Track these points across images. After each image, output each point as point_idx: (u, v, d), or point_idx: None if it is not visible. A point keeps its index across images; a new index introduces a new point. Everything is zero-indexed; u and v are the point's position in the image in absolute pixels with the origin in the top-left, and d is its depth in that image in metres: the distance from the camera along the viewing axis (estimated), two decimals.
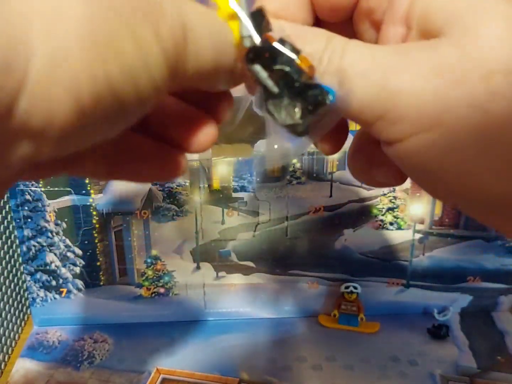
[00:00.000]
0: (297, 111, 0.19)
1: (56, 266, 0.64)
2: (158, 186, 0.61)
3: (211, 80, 0.19)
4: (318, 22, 0.22)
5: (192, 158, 0.60)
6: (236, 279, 0.66)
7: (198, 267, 0.66)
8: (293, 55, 0.18)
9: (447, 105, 0.16)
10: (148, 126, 0.21)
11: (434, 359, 0.61)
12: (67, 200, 0.61)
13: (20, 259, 0.64)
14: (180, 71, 0.16)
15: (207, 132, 0.21)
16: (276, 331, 0.66)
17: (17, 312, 0.65)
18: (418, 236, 0.65)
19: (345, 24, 0.22)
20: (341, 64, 0.18)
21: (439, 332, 0.65)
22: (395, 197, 0.63)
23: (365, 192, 0.63)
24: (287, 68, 0.18)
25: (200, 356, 0.61)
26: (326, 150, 0.22)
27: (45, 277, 0.64)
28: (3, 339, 0.61)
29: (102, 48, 0.13)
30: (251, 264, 0.66)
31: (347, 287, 0.66)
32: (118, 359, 0.61)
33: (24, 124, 0.12)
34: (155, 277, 0.65)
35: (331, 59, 0.18)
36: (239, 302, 0.67)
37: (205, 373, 0.58)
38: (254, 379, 0.58)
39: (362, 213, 0.64)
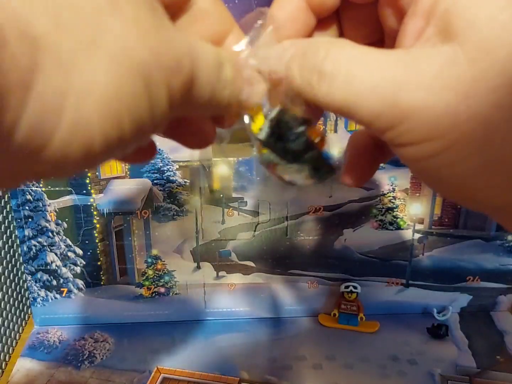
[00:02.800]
0: (305, 177, 0.20)
1: (56, 265, 0.64)
2: (158, 186, 0.61)
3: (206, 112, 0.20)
4: (344, 3, 0.22)
5: (192, 159, 0.60)
6: (236, 278, 0.66)
7: (198, 267, 0.66)
8: (302, 128, 0.19)
9: (457, 119, 0.16)
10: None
11: (434, 359, 0.61)
12: (68, 200, 0.61)
13: (21, 259, 0.64)
14: (180, 109, 0.17)
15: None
16: (276, 330, 0.66)
17: (18, 312, 0.65)
18: (417, 236, 0.65)
19: (370, 6, 0.22)
20: (348, 80, 0.18)
21: (438, 332, 0.65)
22: (394, 197, 0.63)
23: (365, 192, 0.63)
24: (297, 146, 0.19)
25: (200, 355, 0.61)
26: (350, 184, 0.23)
27: (45, 276, 0.64)
28: (4, 339, 0.61)
29: (120, 112, 0.14)
30: (251, 263, 0.66)
31: (347, 287, 0.66)
32: (118, 358, 0.61)
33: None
34: (155, 277, 0.66)
35: (334, 74, 0.18)
36: (239, 301, 0.67)
37: (205, 372, 0.59)
38: (254, 379, 0.58)
39: (362, 213, 0.64)
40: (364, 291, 0.66)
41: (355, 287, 0.66)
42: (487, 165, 0.17)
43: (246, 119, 0.20)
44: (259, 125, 0.20)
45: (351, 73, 0.17)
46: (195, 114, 0.20)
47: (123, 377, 0.58)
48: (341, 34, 0.24)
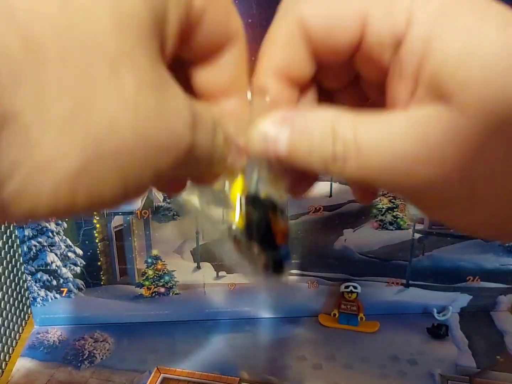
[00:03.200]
0: (254, 268, 0.21)
1: (56, 265, 0.64)
2: None
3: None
4: (320, 67, 0.22)
5: None
6: (236, 278, 0.66)
7: (198, 267, 0.66)
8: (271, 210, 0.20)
9: (470, 182, 0.17)
10: None
11: (434, 359, 0.61)
12: None
13: (21, 259, 0.64)
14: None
15: None
16: (276, 330, 0.66)
17: (17, 312, 0.65)
18: (417, 235, 0.65)
19: (347, 65, 0.21)
20: (361, 161, 0.18)
21: (438, 332, 0.65)
22: (394, 197, 0.63)
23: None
24: (259, 226, 0.20)
25: (200, 355, 0.61)
26: (296, 197, 0.24)
27: (45, 276, 0.64)
28: (4, 339, 0.61)
29: (76, 193, 0.13)
30: None
31: (347, 287, 0.66)
32: (118, 358, 0.61)
33: None
34: (155, 277, 0.66)
35: (347, 156, 0.18)
36: (239, 301, 0.67)
37: (205, 373, 0.58)
38: (254, 379, 0.58)
39: (362, 213, 0.64)
40: (364, 291, 0.66)
41: (355, 287, 0.66)
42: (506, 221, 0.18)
43: (226, 183, 0.21)
44: (235, 192, 0.21)
45: (362, 154, 0.18)
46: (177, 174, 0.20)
47: (123, 377, 0.58)
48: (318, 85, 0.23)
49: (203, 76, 0.20)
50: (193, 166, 0.18)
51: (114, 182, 0.14)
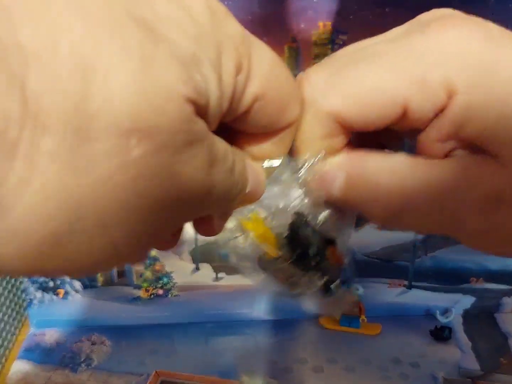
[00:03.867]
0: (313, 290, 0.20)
1: None
2: None
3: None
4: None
5: None
6: (236, 280, 0.66)
7: (197, 268, 0.65)
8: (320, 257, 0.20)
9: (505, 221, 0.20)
10: None
11: (436, 361, 0.60)
12: None
13: None
14: None
15: None
16: (276, 332, 0.65)
17: (14, 314, 0.64)
18: (420, 236, 0.65)
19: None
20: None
21: (441, 334, 0.64)
22: None
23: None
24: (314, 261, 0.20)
25: (199, 358, 0.61)
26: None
27: (42, 278, 0.64)
28: (0, 341, 0.60)
29: (47, 259, 0.13)
30: None
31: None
32: (116, 361, 0.61)
33: None
34: (153, 278, 0.65)
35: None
36: (239, 303, 0.67)
37: (204, 375, 0.58)
38: (254, 381, 0.57)
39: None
40: (366, 293, 0.66)
41: (357, 289, 0.65)
42: None
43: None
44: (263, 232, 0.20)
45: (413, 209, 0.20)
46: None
47: (121, 380, 0.58)
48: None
49: (250, 145, 0.20)
50: (211, 208, 0.17)
51: (97, 244, 0.13)
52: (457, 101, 0.18)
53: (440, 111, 0.19)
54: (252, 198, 0.19)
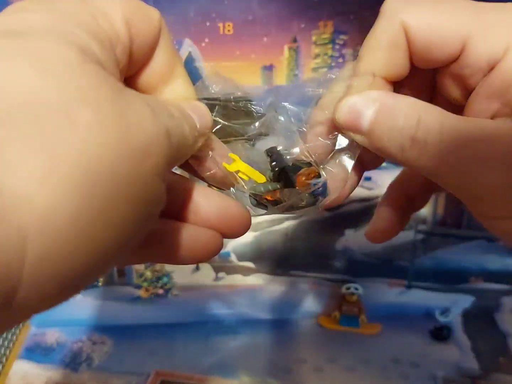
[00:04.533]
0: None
1: None
2: None
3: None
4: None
5: None
6: (236, 280, 0.66)
7: (197, 268, 0.65)
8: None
9: None
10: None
11: (436, 361, 0.60)
12: None
13: None
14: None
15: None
16: (276, 332, 0.65)
17: None
18: (420, 236, 0.64)
19: (430, 77, 0.23)
20: (439, 151, 0.19)
21: (441, 334, 0.64)
22: None
23: (366, 192, 0.63)
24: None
25: (199, 358, 0.61)
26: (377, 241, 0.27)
27: None
28: (0, 341, 0.60)
29: (93, 228, 0.13)
30: (251, 265, 0.66)
31: (348, 288, 0.65)
32: (116, 361, 0.61)
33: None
34: (154, 278, 0.65)
35: (427, 143, 0.19)
36: (239, 303, 0.67)
37: (204, 375, 0.58)
38: (254, 381, 0.57)
39: (363, 213, 0.63)
40: (366, 293, 0.66)
41: (356, 289, 0.65)
42: None
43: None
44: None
45: (443, 146, 0.19)
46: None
47: (121, 380, 0.58)
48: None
49: (142, 78, 0.21)
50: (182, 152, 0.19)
51: (120, 204, 0.14)
52: (511, 59, 0.19)
53: (493, 66, 0.20)
54: (204, 128, 0.20)
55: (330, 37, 0.53)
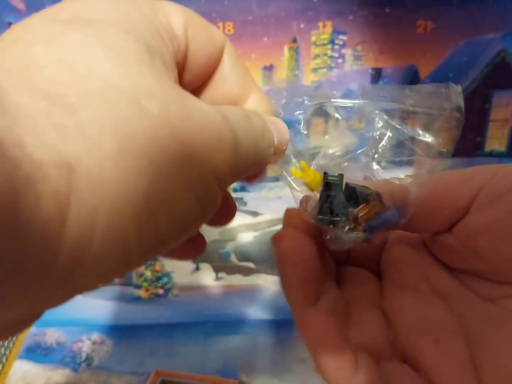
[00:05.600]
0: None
1: None
2: None
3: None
4: None
5: None
6: (236, 280, 0.66)
7: (197, 268, 0.65)
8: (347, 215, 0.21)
9: None
10: None
11: None
12: None
13: None
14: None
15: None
16: (276, 332, 0.65)
17: None
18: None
19: None
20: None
21: None
22: None
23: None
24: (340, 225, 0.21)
25: (199, 357, 0.61)
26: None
27: None
28: (0, 341, 0.60)
29: (155, 212, 0.14)
30: (251, 265, 0.66)
31: None
32: (116, 361, 0.61)
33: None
34: (153, 278, 0.65)
35: None
36: (239, 303, 0.67)
37: (204, 375, 0.58)
38: (254, 381, 0.57)
39: None
40: None
41: None
42: None
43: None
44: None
45: None
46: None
47: (121, 380, 0.58)
48: None
49: (214, 95, 0.21)
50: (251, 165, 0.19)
51: (186, 195, 0.15)
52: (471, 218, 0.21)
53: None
54: (282, 145, 0.21)
55: (329, 38, 0.53)
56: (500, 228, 0.20)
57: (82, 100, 0.13)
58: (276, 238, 0.22)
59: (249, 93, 0.21)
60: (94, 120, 0.13)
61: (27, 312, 0.14)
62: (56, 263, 0.12)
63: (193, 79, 0.20)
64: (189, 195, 0.15)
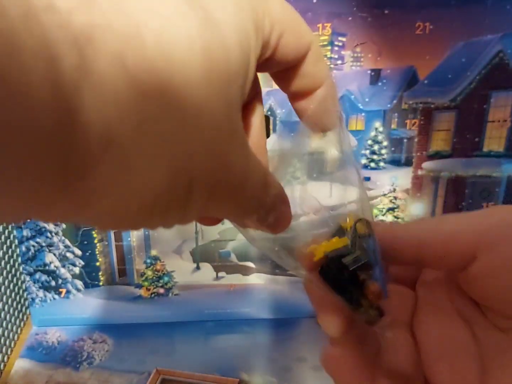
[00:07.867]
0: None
1: (55, 266, 0.64)
2: None
3: None
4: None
5: None
6: (236, 279, 0.66)
7: (198, 268, 0.65)
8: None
9: None
10: None
11: None
12: None
13: (19, 259, 0.64)
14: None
15: None
16: (276, 331, 0.65)
17: (16, 313, 0.64)
18: None
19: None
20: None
21: None
22: (395, 197, 0.63)
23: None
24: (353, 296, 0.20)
25: (200, 356, 0.61)
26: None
27: (44, 277, 0.64)
28: (2, 340, 0.60)
29: (155, 212, 0.14)
30: (251, 264, 0.66)
31: None
32: (117, 359, 0.61)
33: None
34: (154, 278, 0.65)
35: None
36: (239, 302, 0.67)
37: (204, 374, 0.58)
38: (254, 380, 0.58)
39: None
40: None
41: None
42: None
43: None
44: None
45: None
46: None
47: (122, 379, 0.58)
48: None
49: (291, 85, 0.21)
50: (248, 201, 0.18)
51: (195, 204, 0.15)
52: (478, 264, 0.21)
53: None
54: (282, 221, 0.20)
55: (329, 39, 0.54)
56: (504, 273, 0.21)
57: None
58: (325, 361, 0.22)
59: (322, 83, 0.21)
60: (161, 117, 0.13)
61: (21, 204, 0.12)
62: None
63: (272, 73, 0.20)
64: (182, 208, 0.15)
